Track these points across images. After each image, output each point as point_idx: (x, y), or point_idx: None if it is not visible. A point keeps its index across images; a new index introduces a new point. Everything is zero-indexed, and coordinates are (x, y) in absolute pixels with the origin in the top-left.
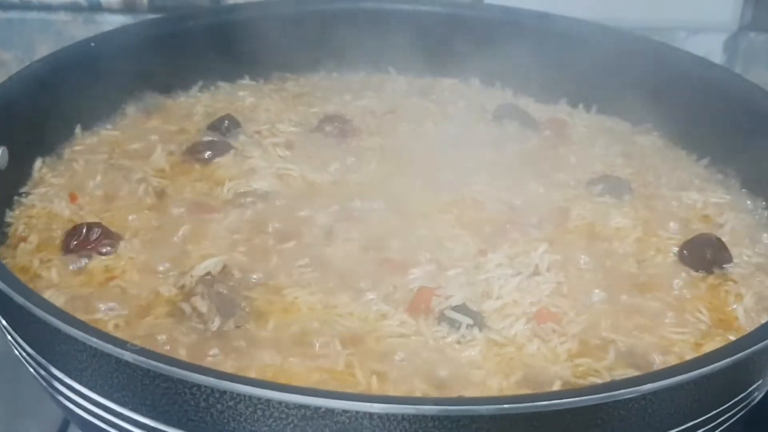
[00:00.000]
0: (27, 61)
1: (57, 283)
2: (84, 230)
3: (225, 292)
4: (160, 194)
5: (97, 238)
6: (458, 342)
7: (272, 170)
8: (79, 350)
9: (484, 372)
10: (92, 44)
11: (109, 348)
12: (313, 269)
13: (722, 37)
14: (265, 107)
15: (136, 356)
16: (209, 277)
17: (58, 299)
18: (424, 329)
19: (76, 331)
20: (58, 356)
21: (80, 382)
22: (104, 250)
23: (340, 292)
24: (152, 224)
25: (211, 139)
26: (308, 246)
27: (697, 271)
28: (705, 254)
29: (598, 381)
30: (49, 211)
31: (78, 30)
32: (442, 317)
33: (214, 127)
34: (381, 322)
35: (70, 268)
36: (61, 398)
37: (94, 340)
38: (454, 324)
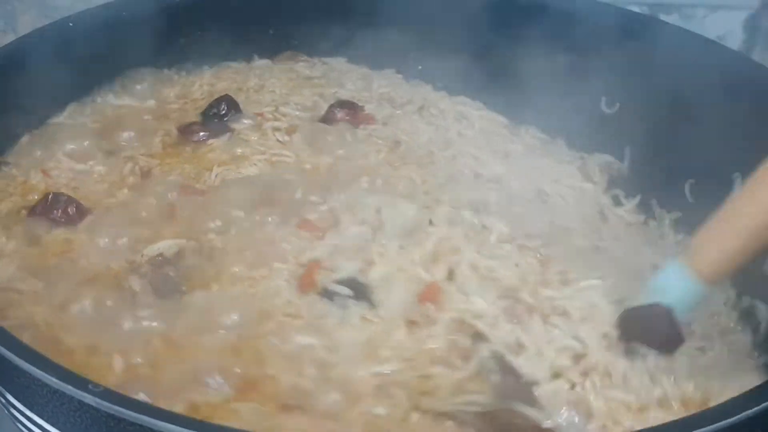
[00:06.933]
0: (9, 31)
1: (9, 253)
2: (51, 197)
3: (173, 275)
4: (146, 174)
5: (62, 208)
6: (339, 322)
7: (266, 156)
8: (39, 385)
9: (361, 359)
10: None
11: (68, 389)
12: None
13: (742, 16)
14: (270, 88)
15: (98, 400)
16: (160, 258)
17: (8, 268)
18: (305, 308)
19: (34, 369)
20: (18, 388)
21: (41, 417)
22: (66, 221)
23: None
24: (127, 203)
25: (207, 120)
26: (273, 234)
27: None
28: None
29: None
30: (24, 182)
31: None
32: (325, 293)
33: (212, 108)
34: (274, 300)
35: (29, 236)
36: (23, 429)
37: (53, 379)
38: (336, 299)
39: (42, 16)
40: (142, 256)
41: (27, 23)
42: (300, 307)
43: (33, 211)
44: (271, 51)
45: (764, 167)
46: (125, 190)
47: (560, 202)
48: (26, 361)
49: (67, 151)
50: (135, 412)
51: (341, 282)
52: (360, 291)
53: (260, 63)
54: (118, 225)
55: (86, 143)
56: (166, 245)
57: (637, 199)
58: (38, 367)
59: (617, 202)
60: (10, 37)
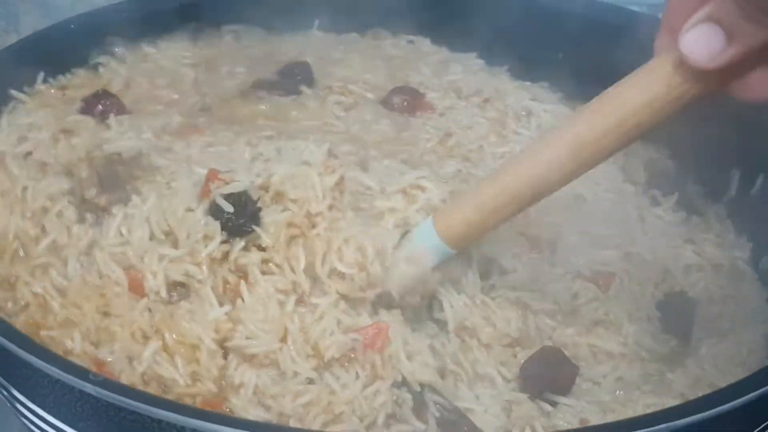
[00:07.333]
0: (11, 31)
1: (41, 102)
2: (102, 91)
3: (121, 172)
4: (207, 109)
5: (106, 102)
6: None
7: (317, 124)
8: (40, 376)
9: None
10: None
11: (69, 378)
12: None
13: None
14: (348, 63)
15: (98, 389)
16: (117, 156)
17: (34, 113)
18: (188, 223)
19: (35, 359)
20: (19, 380)
21: (44, 408)
22: (101, 111)
23: None
24: (160, 119)
25: (279, 80)
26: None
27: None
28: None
29: None
30: (107, 83)
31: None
32: (211, 207)
33: (286, 69)
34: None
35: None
36: (26, 421)
37: (54, 369)
38: (220, 215)
39: (43, 17)
40: (101, 150)
41: (29, 24)
42: (182, 221)
43: (86, 98)
44: (361, 26)
45: (511, 157)
46: (176, 115)
47: (597, 208)
48: (28, 351)
49: (156, 72)
50: (134, 400)
51: (228, 198)
52: (246, 209)
53: (348, 37)
54: (133, 125)
55: (173, 69)
56: (126, 146)
57: (675, 196)
58: (40, 358)
59: (655, 202)
60: (12, 38)
